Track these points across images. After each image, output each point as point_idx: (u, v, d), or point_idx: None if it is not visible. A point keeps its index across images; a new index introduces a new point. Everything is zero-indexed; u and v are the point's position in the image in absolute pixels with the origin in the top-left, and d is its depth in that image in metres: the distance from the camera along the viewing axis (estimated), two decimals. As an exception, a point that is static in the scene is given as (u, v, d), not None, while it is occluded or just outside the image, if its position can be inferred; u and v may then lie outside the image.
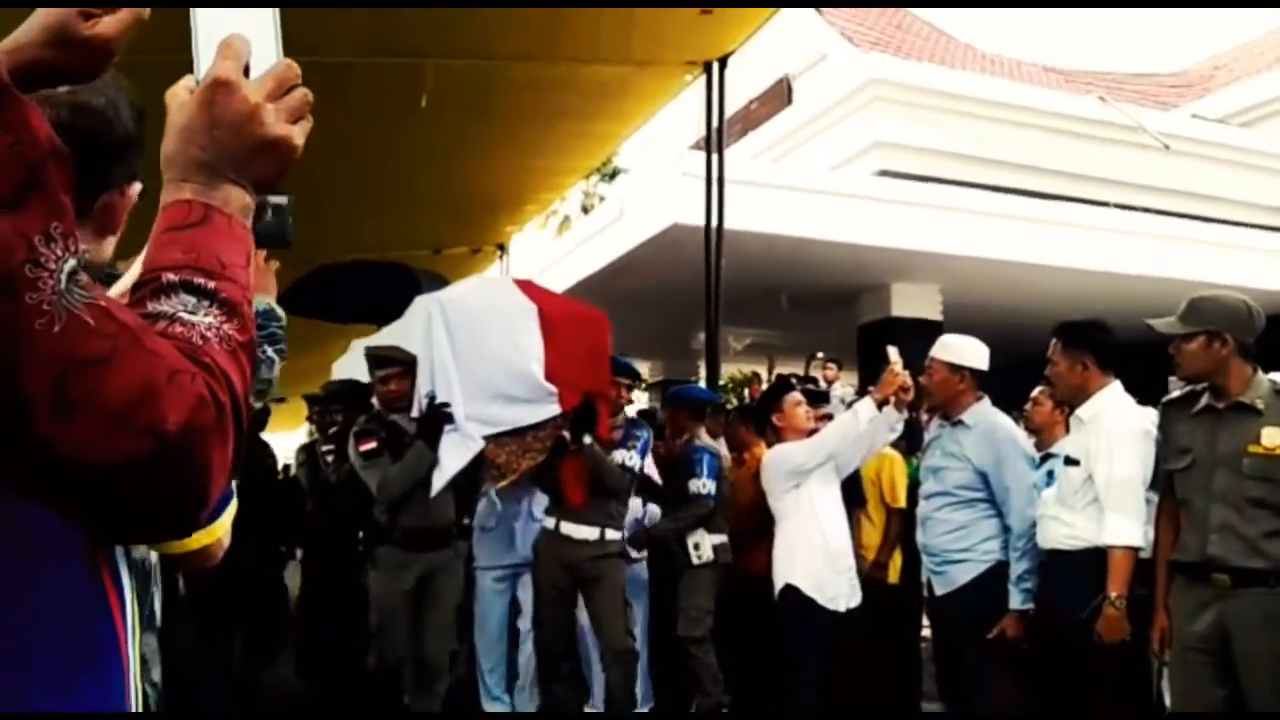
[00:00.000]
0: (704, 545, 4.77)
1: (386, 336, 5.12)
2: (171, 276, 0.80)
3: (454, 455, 4.34)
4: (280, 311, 2.32)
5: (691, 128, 12.00)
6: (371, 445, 4.39)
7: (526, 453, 4.48)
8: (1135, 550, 3.45)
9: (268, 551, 5.59)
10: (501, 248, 8.85)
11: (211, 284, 0.80)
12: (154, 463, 0.70)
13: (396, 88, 4.84)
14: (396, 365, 4.52)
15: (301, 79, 0.89)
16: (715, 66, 5.14)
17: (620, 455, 4.61)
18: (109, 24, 0.89)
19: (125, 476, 0.70)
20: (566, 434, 4.53)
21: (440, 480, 4.32)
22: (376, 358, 4.60)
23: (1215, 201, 11.83)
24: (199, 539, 1.26)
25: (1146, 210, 10.63)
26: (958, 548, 3.95)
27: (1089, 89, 13.31)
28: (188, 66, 0.87)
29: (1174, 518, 3.28)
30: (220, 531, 1.29)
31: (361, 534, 5.03)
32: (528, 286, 4.84)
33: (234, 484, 1.27)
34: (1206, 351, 3.13)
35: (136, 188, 1.16)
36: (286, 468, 7.47)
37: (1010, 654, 3.79)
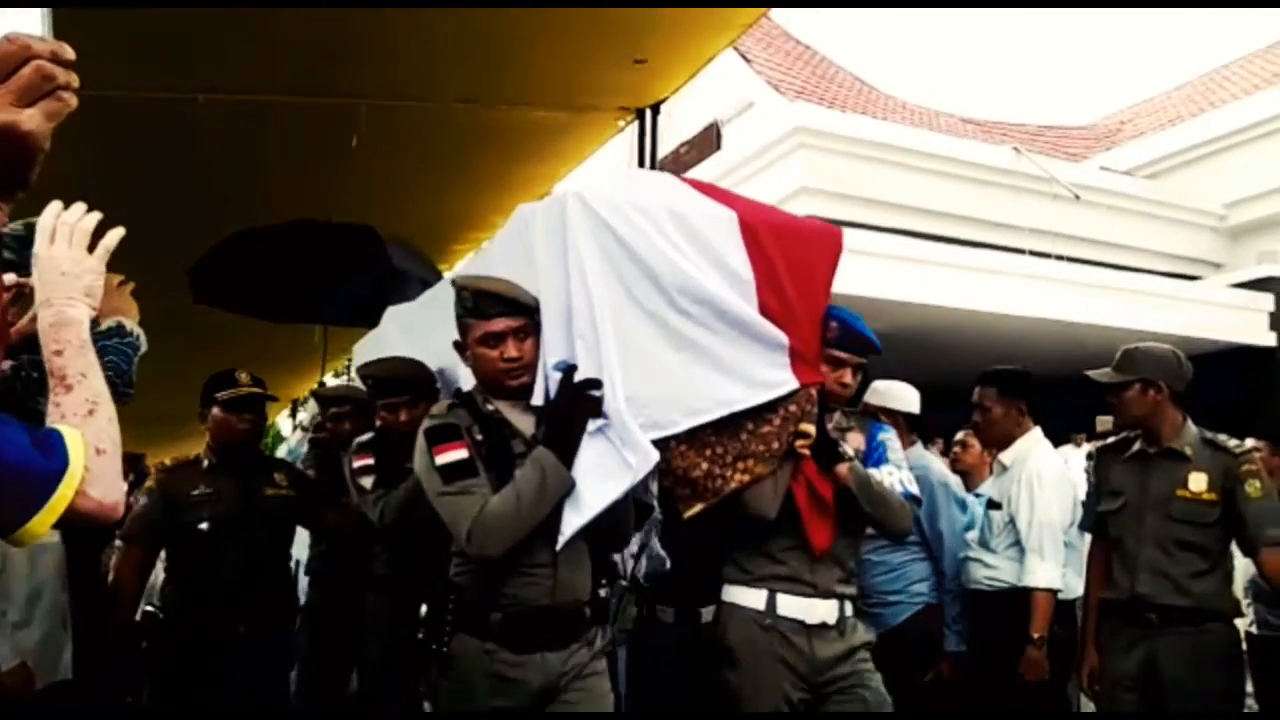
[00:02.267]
0: None
1: (474, 268, 3.03)
2: None
3: (603, 476, 2.32)
4: (132, 330, 1.93)
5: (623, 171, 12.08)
6: (459, 453, 2.33)
7: (740, 459, 2.60)
8: (1054, 592, 3.60)
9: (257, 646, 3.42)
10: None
11: None
12: None
13: (328, 128, 4.78)
14: (518, 313, 2.42)
15: (35, 52, 0.76)
16: (648, 113, 5.20)
17: (888, 476, 2.92)
18: None
19: None
20: (809, 427, 2.70)
21: (576, 522, 2.31)
22: (480, 293, 2.43)
23: (1123, 249, 12.30)
24: (43, 522, 1.12)
25: (1059, 257, 11.01)
26: (891, 589, 3.99)
27: (1004, 140, 13.78)
28: None
29: (1105, 558, 3.38)
30: (62, 505, 1.14)
31: (425, 611, 2.52)
32: (706, 189, 2.90)
33: (67, 447, 1.15)
34: (1142, 398, 3.25)
35: None
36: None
37: (944, 695, 3.84)
